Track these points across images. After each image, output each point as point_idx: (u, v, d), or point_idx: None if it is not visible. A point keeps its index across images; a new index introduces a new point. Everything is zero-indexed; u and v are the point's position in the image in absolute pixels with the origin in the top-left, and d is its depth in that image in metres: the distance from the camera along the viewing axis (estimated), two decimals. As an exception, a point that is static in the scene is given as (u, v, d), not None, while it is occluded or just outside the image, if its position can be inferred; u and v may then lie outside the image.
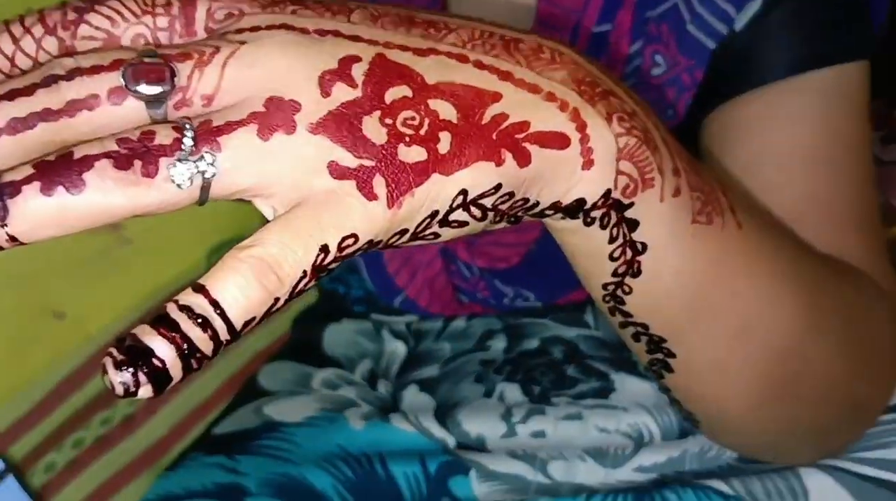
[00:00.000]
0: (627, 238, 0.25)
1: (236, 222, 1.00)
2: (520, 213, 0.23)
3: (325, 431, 0.52)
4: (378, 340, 0.59)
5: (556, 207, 0.23)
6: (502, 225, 0.24)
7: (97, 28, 0.20)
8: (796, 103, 0.40)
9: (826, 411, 0.34)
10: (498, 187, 0.21)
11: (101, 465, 0.83)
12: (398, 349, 0.58)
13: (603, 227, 0.24)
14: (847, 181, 0.39)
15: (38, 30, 0.20)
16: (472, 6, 0.47)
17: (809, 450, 0.37)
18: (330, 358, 0.60)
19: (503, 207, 0.22)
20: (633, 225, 0.25)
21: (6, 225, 0.18)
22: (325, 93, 0.20)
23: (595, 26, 0.44)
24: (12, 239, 0.18)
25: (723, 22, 0.41)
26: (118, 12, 0.21)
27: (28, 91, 0.19)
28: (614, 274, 0.26)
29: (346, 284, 0.63)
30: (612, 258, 0.25)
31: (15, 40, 0.20)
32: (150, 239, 0.95)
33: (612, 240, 0.25)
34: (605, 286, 0.27)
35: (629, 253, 0.25)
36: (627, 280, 0.26)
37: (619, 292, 0.27)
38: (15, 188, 0.18)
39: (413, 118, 0.20)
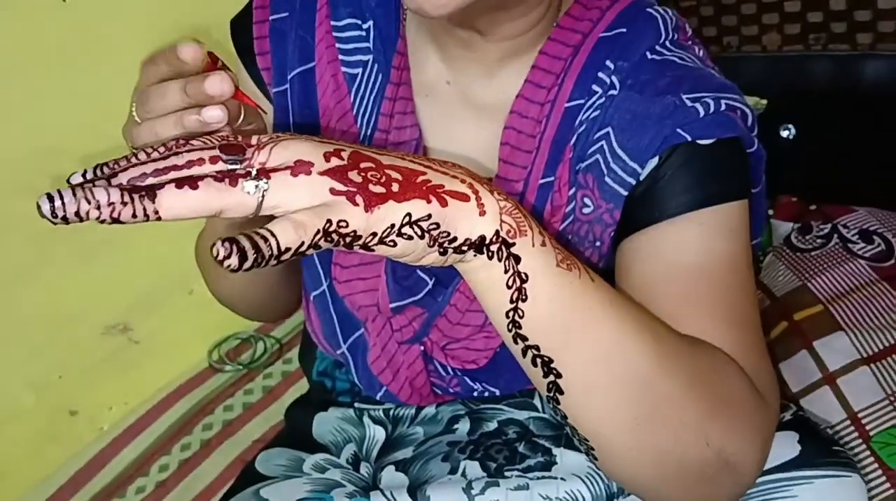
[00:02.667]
0: (515, 269, 0.38)
1: (230, 325, 1.09)
2: (446, 244, 0.37)
3: (319, 509, 0.60)
4: (360, 426, 0.67)
5: (467, 242, 0.37)
6: (434, 251, 0.37)
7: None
8: (684, 233, 0.49)
9: (687, 449, 0.42)
10: (429, 216, 0.36)
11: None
12: (378, 433, 0.66)
13: (499, 260, 0.38)
14: (724, 290, 0.48)
15: (161, 150, 0.36)
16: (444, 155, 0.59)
17: (693, 497, 0.45)
18: (319, 445, 0.68)
19: (434, 233, 0.36)
20: (518, 259, 0.38)
21: (155, 204, 0.32)
22: (327, 160, 0.35)
23: (542, 179, 0.55)
24: (156, 213, 0.32)
25: (631, 176, 0.51)
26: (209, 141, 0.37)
27: (165, 157, 0.35)
28: (511, 300, 0.39)
29: (332, 378, 0.72)
30: (507, 286, 0.39)
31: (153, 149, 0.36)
32: (155, 340, 1.04)
33: (505, 271, 0.38)
34: (507, 314, 0.40)
35: (518, 281, 0.38)
36: (520, 305, 0.39)
37: (516, 317, 0.39)
38: (161, 186, 0.33)
39: (377, 174, 0.36)
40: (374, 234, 0.35)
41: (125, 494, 0.93)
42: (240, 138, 0.37)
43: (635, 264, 0.50)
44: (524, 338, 0.40)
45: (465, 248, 0.37)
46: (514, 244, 0.38)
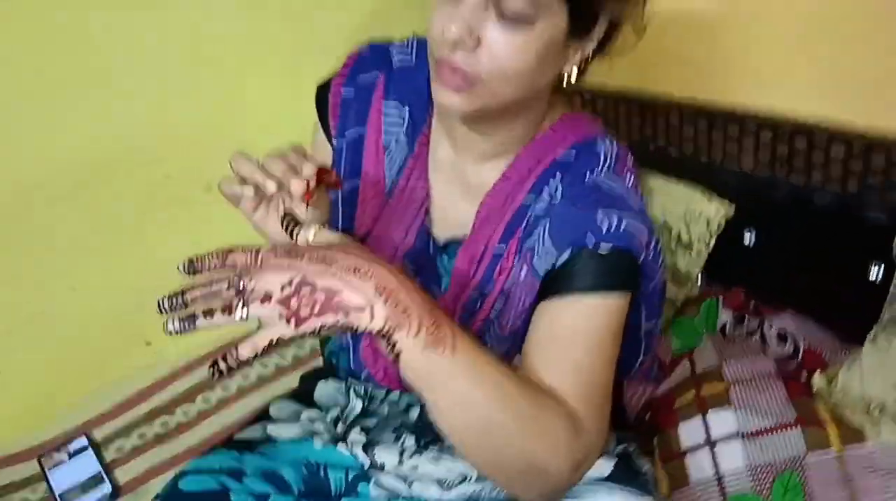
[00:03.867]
0: (393, 347, 0.58)
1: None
2: (350, 330, 0.57)
3: (300, 446, 0.84)
4: (347, 396, 0.91)
5: (364, 331, 0.57)
6: (349, 332, 0.58)
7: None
8: (572, 310, 0.70)
9: (513, 458, 0.62)
10: (337, 322, 0.56)
11: (154, 453, 1.16)
12: (357, 404, 0.90)
13: (384, 341, 0.58)
14: (583, 355, 0.68)
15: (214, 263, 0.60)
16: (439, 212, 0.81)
17: (523, 488, 0.65)
18: (315, 403, 0.92)
19: (345, 328, 0.57)
20: (395, 344, 0.58)
21: (195, 326, 0.56)
22: (282, 291, 0.56)
23: (496, 248, 0.77)
24: (195, 329, 0.56)
25: (551, 261, 0.72)
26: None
27: (210, 284, 0.58)
28: (394, 361, 0.59)
29: (337, 357, 0.96)
30: (389, 352, 0.59)
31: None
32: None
33: (387, 345, 0.58)
34: (394, 364, 0.59)
35: (394, 352, 0.58)
36: (398, 365, 0.59)
37: (399, 372, 0.60)
38: (196, 316, 0.56)
39: (309, 299, 0.56)
40: (304, 335, 0.56)
41: (174, 413, 1.21)
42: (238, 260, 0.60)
43: (537, 324, 0.72)
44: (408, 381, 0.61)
45: (362, 333, 0.58)
46: (392, 334, 0.58)
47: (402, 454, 0.80)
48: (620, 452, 0.75)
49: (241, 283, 0.56)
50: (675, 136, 1.18)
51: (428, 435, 0.82)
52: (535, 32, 0.65)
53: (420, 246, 0.83)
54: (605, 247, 0.70)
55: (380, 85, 0.84)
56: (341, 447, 0.83)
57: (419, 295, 0.59)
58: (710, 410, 0.93)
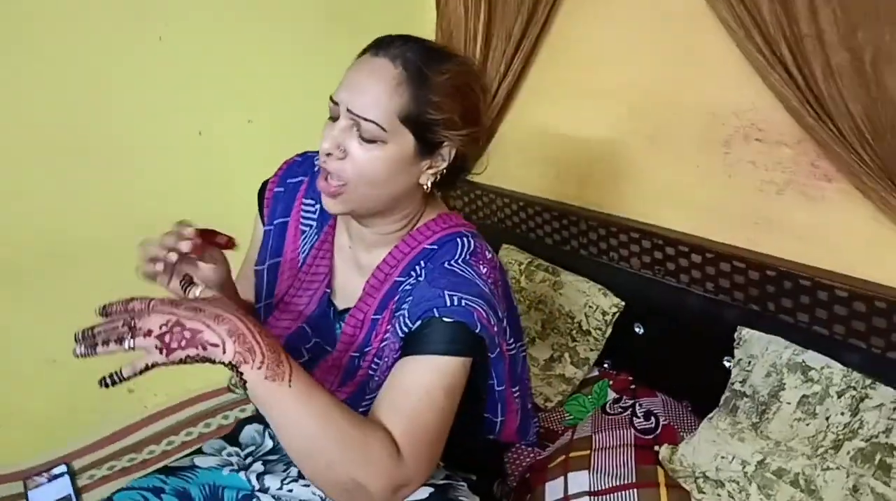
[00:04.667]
0: (240, 376, 0.75)
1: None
2: (209, 362, 0.75)
3: (211, 473, 1.02)
4: (263, 437, 1.10)
5: (220, 363, 0.75)
6: (207, 363, 0.76)
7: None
8: (415, 365, 0.86)
9: (337, 474, 0.76)
10: (197, 355, 0.74)
11: (118, 483, 1.34)
12: (269, 444, 1.08)
13: (234, 371, 0.75)
14: (415, 402, 0.83)
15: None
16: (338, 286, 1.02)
17: (342, 498, 0.81)
18: (238, 442, 1.11)
19: (203, 359, 0.74)
20: (242, 374, 0.75)
21: (96, 352, 0.72)
22: (160, 329, 0.75)
23: (374, 315, 0.97)
24: (95, 354, 0.73)
25: (408, 328, 0.90)
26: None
27: (114, 320, 0.75)
28: (242, 387, 0.76)
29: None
30: (239, 381, 0.77)
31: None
32: (195, 358, 1.53)
33: (237, 377, 0.76)
34: (243, 391, 0.78)
35: (241, 381, 0.76)
36: (247, 392, 0.77)
37: (250, 398, 0.77)
38: (97, 344, 0.71)
39: (179, 335, 0.74)
40: (173, 363, 0.70)
41: (142, 451, 1.40)
42: (130, 306, 0.73)
43: (390, 375, 0.89)
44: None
45: (219, 363, 0.75)
46: (239, 367, 0.71)
47: (283, 480, 0.98)
48: (441, 483, 0.90)
49: (133, 322, 0.76)
50: (585, 240, 1.37)
51: (309, 469, 1.00)
52: (387, 150, 0.86)
53: (321, 312, 1.03)
54: (448, 319, 0.88)
55: (304, 185, 1.07)
56: (242, 474, 1.00)
57: (266, 338, 0.78)
58: (571, 472, 1.07)
